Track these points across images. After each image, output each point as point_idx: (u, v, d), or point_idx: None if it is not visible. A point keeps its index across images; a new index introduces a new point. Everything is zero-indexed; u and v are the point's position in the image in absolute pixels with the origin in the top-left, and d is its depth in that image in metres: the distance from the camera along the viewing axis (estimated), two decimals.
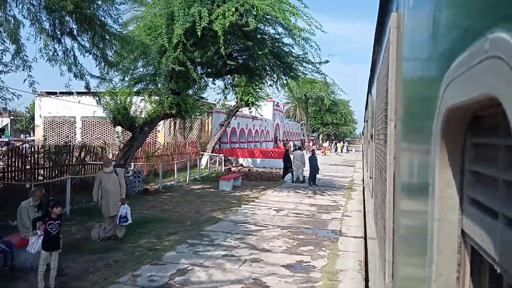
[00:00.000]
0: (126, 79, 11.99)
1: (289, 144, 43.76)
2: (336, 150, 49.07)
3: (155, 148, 19.72)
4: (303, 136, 58.04)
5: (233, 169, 22.19)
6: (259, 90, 21.89)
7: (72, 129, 27.29)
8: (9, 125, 52.77)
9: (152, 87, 12.36)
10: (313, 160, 17.13)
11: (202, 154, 22.30)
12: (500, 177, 0.56)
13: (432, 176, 0.85)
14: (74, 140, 25.78)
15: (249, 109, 22.97)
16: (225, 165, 22.39)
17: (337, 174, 23.06)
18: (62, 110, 26.84)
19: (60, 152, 12.48)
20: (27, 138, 31.89)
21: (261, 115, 25.86)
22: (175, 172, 17.05)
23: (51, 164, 11.90)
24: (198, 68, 12.19)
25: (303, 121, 58.87)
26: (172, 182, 16.26)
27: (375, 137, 3.91)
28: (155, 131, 25.50)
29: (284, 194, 14.35)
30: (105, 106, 12.04)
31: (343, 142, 56.09)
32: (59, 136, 27.00)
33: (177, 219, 9.76)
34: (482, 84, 0.55)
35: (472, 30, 0.62)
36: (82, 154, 13.34)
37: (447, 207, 0.80)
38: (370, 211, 5.71)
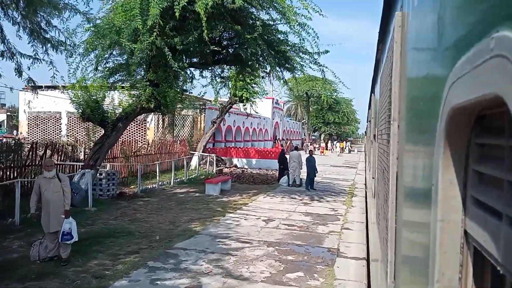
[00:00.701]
0: (100, 68, 10.66)
1: (288, 144, 41.59)
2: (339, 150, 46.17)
3: (137, 146, 17.82)
4: (304, 135, 56.56)
5: (225, 170, 20.33)
6: (255, 85, 20.39)
7: (58, 125, 25.96)
8: (5, 121, 52.47)
9: (128, 78, 11.04)
10: (310, 162, 15.57)
11: (192, 154, 20.51)
12: (505, 177, 0.55)
13: (436, 176, 0.85)
14: (59, 136, 24.64)
15: (244, 105, 21.03)
16: (217, 166, 20.71)
17: (337, 176, 21.05)
18: (47, 105, 25.53)
19: (12, 150, 10.57)
20: (19, 135, 30.97)
21: (257, 112, 23.60)
22: (157, 173, 15.05)
23: (8, 164, 10.26)
24: (181, 56, 10.68)
25: (304, 120, 57.23)
26: (154, 185, 14.65)
27: (378, 137, 3.90)
28: (144, 128, 24.60)
29: (277, 200, 12.79)
30: (73, 99, 10.84)
31: (345, 142, 53.81)
32: (44, 132, 25.95)
33: (146, 232, 8.19)
34: (487, 83, 0.54)
35: (477, 28, 0.61)
36: (48, 153, 11.65)
37: (450, 208, 0.79)
38: (373, 222, 4.93)
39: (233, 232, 8.58)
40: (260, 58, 11.69)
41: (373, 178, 5.79)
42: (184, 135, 24.62)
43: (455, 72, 0.70)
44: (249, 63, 11.89)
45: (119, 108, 11.67)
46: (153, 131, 24.04)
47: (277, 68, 12.15)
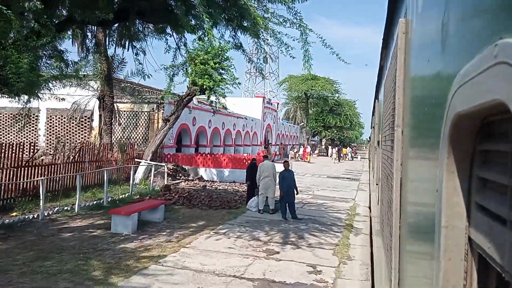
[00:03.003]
0: None
1: (278, 150, 36.41)
2: (339, 157, 40.63)
3: (33, 152, 11.53)
4: (303, 140, 52.36)
5: (182, 184, 15.49)
6: (222, 71, 15.48)
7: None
8: None
9: None
10: (285, 179, 10.45)
11: (138, 163, 15.21)
12: (509, 183, 0.55)
13: (440, 182, 0.85)
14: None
15: (208, 98, 16.11)
16: (176, 178, 16.24)
17: (333, 194, 15.80)
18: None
19: None
20: None
21: (226, 108, 18.02)
22: (41, 195, 9.40)
23: None
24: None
25: (303, 123, 53.06)
26: (48, 212, 9.59)
27: (382, 143, 3.90)
28: (89, 127, 20.00)
29: (225, 245, 7.67)
30: None
31: (348, 148, 48.65)
32: None
33: None
34: (491, 90, 0.54)
35: (481, 36, 0.62)
36: None
37: (454, 214, 0.79)
38: None
39: None
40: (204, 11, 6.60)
41: (377, 184, 5.77)
42: (138, 137, 19.97)
43: (459, 78, 0.70)
44: (176, 17, 7.24)
45: None
46: (99, 131, 19.05)
47: (229, 28, 7.83)
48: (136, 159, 15.71)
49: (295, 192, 10.58)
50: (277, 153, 36.59)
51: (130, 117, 20.15)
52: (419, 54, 1.44)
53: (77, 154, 13.00)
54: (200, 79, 14.75)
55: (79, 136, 20.46)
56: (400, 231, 1.84)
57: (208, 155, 20.13)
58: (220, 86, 15.29)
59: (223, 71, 15.52)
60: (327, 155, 46.55)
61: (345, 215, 11.39)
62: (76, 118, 19.88)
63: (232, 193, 14.35)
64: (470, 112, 0.66)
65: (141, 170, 14.98)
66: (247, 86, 75.76)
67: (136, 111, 19.92)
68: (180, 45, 9.68)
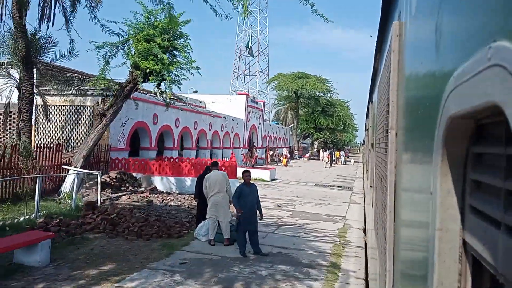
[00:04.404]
0: None
1: (276, 153, 34.32)
2: (331, 161, 37.08)
3: None
4: (293, 143, 49.23)
5: (123, 198, 12.04)
6: (176, 52, 11.95)
7: None
8: None
9: None
10: (245, 197, 7.27)
11: (67, 170, 11.91)
12: (502, 186, 0.55)
13: (434, 185, 0.85)
14: None
15: (157, 87, 12.21)
16: (120, 190, 13.11)
17: (318, 210, 12.51)
18: None
19: None
20: None
21: (179, 99, 13.76)
22: None
23: None
24: None
25: (293, 125, 49.48)
26: None
27: (376, 145, 3.91)
28: (29, 126, 14.62)
29: None
30: None
31: (340, 151, 45.19)
32: None
33: None
34: (485, 92, 0.55)
35: (475, 38, 0.62)
36: None
37: (448, 217, 0.79)
38: None
39: None
40: None
41: (371, 187, 5.79)
42: (79, 137, 15.81)
43: (453, 81, 0.70)
44: None
45: None
46: (41, 130, 15.91)
47: None
48: (65, 166, 12.27)
49: (259, 215, 7.41)
50: (258, 156, 33.30)
51: (70, 113, 15.96)
52: (412, 56, 1.45)
53: None
54: (143, 61, 11.13)
55: (4, 136, 15.79)
56: (394, 233, 1.84)
57: (165, 160, 16.57)
58: (172, 71, 11.56)
59: (176, 52, 12.00)
60: (319, 159, 44.35)
61: (331, 245, 8.12)
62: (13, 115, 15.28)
63: (185, 211, 10.75)
64: (464, 115, 0.66)
65: (69, 180, 11.51)
66: (235, 86, 74.59)
67: (78, 106, 15.87)
68: None
